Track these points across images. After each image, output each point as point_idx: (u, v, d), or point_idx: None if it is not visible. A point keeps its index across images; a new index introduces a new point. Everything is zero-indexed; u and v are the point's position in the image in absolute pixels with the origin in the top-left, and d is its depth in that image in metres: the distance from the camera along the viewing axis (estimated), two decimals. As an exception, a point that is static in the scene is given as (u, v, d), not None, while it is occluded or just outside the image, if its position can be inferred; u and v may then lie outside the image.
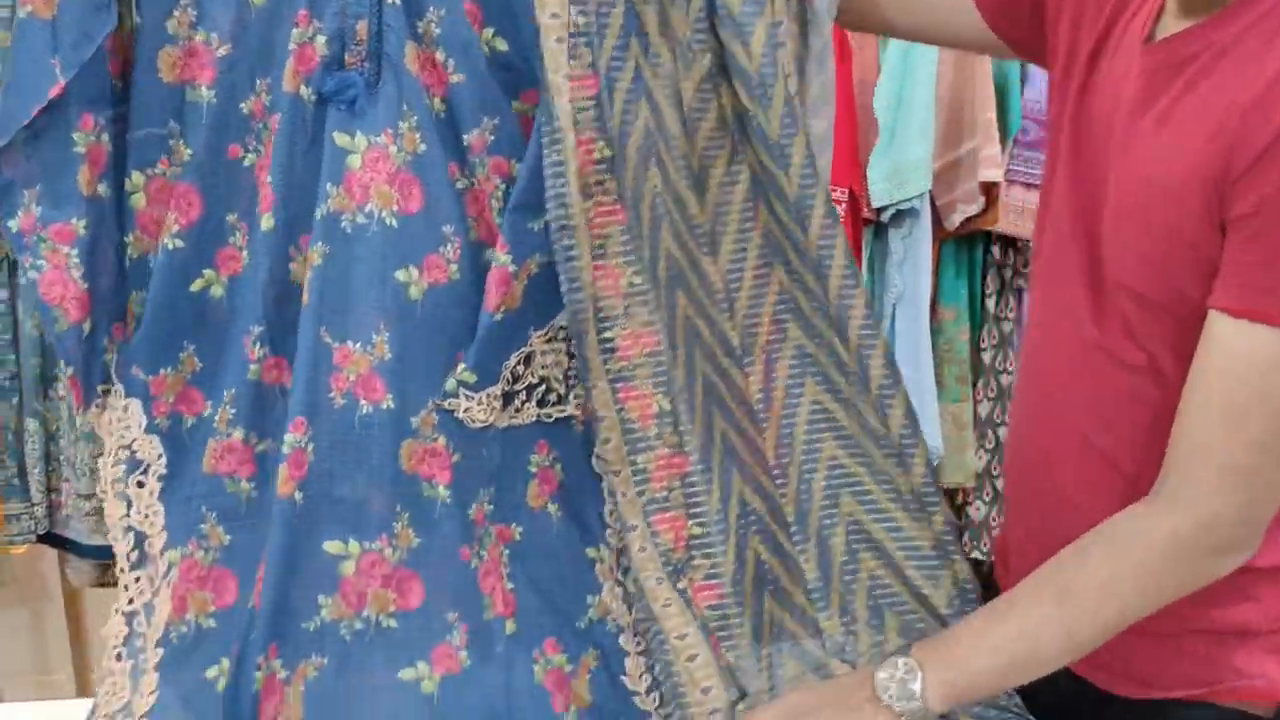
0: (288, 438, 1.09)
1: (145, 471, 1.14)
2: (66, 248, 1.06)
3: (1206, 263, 0.90)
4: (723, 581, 1.14)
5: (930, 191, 1.95)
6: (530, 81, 1.11)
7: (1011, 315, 2.10)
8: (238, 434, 1.13)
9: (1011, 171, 1.99)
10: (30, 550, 2.12)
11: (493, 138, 1.11)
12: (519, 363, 1.13)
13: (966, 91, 1.94)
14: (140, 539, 1.13)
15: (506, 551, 1.16)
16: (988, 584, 1.15)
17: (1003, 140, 1.97)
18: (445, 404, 1.12)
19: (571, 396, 1.17)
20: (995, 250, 2.09)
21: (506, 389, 1.14)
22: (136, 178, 1.10)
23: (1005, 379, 2.11)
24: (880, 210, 1.97)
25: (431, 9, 1.09)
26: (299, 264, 1.12)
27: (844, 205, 1.92)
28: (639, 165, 1.09)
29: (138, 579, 1.13)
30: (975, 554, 2.13)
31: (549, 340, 1.15)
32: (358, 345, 1.10)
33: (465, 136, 1.11)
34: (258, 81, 1.10)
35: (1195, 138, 0.89)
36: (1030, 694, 1.06)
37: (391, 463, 1.12)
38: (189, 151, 1.10)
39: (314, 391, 1.10)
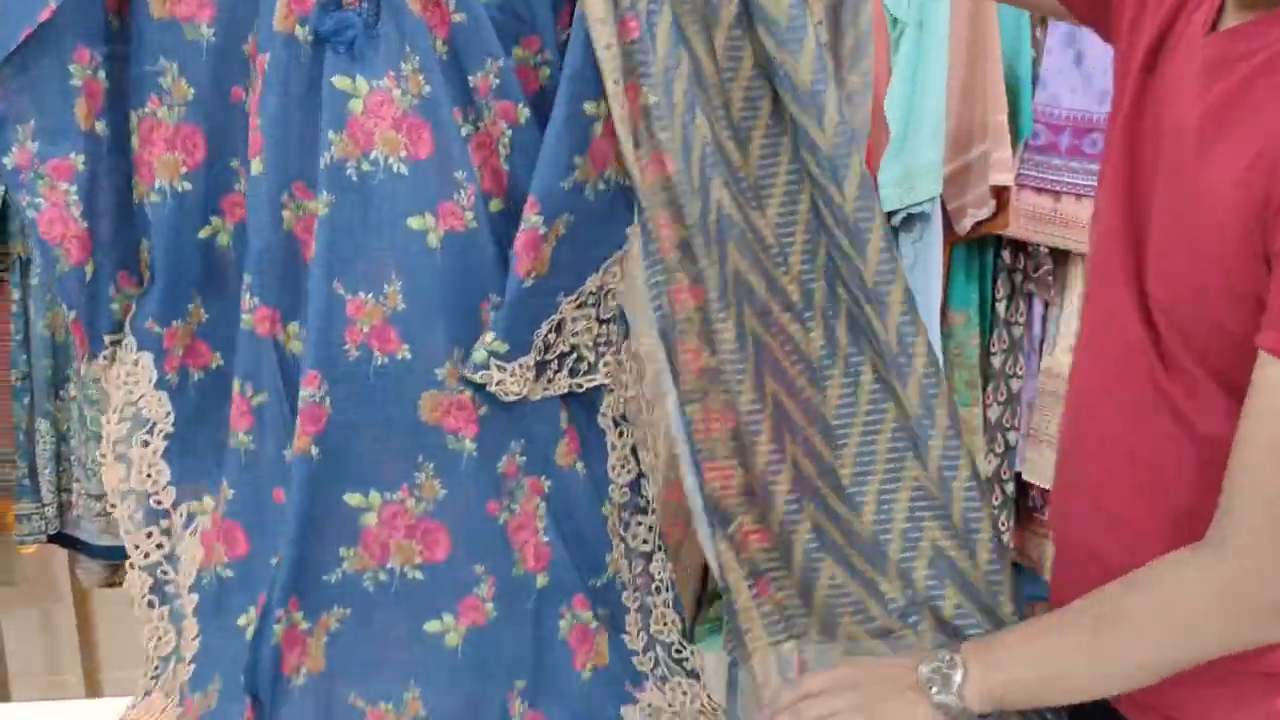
0: (302, 392, 1.06)
1: (151, 430, 1.11)
2: (65, 184, 1.03)
3: (1247, 297, 0.86)
4: (772, 527, 1.12)
5: (941, 195, 1.94)
6: (530, 28, 1.07)
7: (1021, 320, 2.08)
8: (235, 386, 1.11)
9: (1022, 175, 1.98)
10: (40, 550, 2.11)
11: (498, 81, 1.06)
12: (550, 331, 1.09)
13: (977, 95, 1.93)
14: (145, 499, 1.11)
15: (542, 504, 1.13)
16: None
17: (1014, 144, 1.95)
18: (477, 376, 1.08)
19: (601, 365, 1.13)
20: (1006, 255, 2.07)
21: (539, 359, 1.10)
22: (133, 118, 1.07)
23: (1015, 384, 2.09)
24: (891, 214, 1.96)
25: (430, -54, 1.04)
26: (291, 212, 1.08)
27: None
28: (686, 112, 1.04)
29: (149, 534, 1.11)
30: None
31: (579, 306, 1.10)
32: (370, 296, 1.07)
33: (470, 78, 1.06)
34: (255, 21, 1.06)
35: (1239, 160, 0.85)
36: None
37: (410, 413, 1.09)
38: (191, 91, 1.07)
39: (328, 345, 1.07)
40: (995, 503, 2.13)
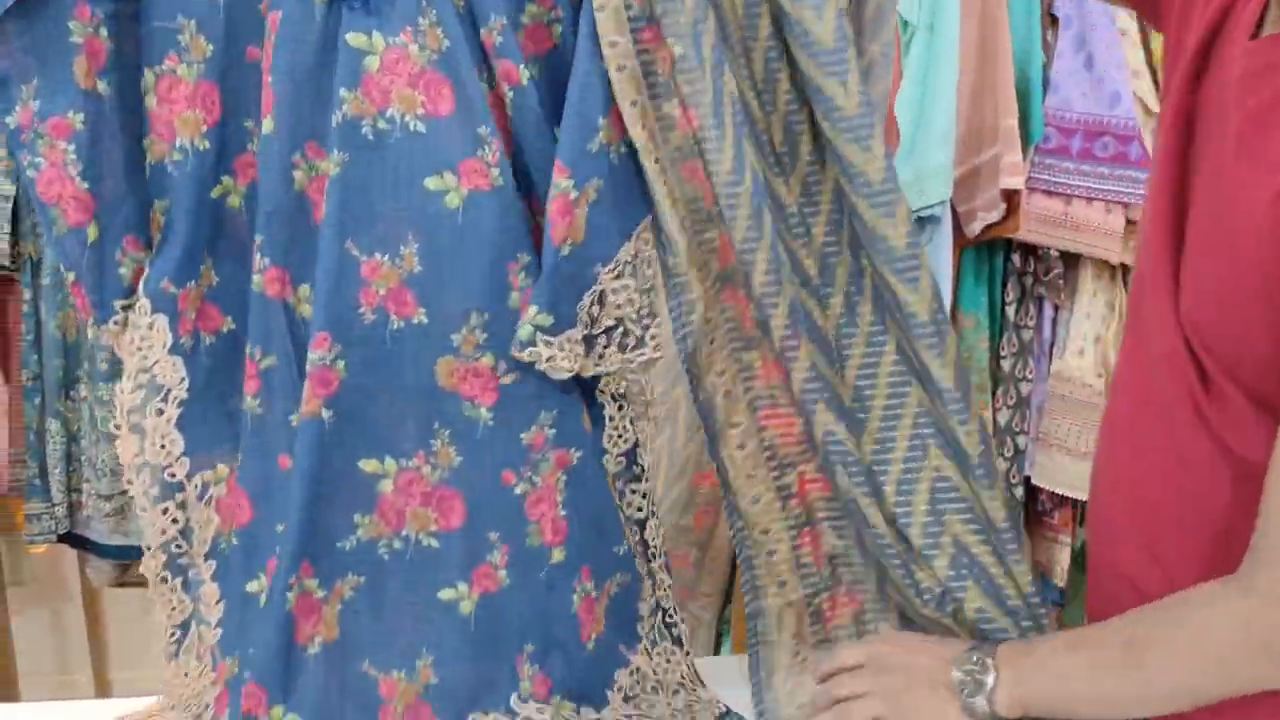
0: (311, 355, 1.04)
1: (165, 398, 1.08)
2: (64, 143, 1.01)
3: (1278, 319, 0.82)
4: (833, 479, 1.08)
5: (951, 199, 1.94)
6: None
7: (1031, 323, 2.08)
8: (245, 349, 1.08)
9: (1033, 179, 1.97)
10: (50, 550, 2.12)
11: (500, 39, 1.02)
12: (593, 303, 1.05)
13: (988, 98, 1.92)
14: (159, 471, 1.09)
15: (564, 478, 1.10)
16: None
17: (1024, 147, 1.95)
18: (525, 354, 1.04)
19: (648, 338, 1.09)
20: (1016, 258, 2.06)
21: (586, 333, 1.06)
22: (148, 76, 1.04)
23: (1025, 387, 2.08)
24: (901, 217, 1.96)
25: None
26: (303, 172, 1.05)
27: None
28: (715, 67, 1.00)
29: (165, 510, 1.09)
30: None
31: (616, 277, 1.07)
32: (385, 258, 1.04)
33: (480, 33, 1.03)
34: None
35: (1273, 172, 0.81)
36: None
37: (426, 379, 1.06)
38: (210, 48, 1.04)
39: (339, 307, 1.04)
40: (1004, 506, 2.12)
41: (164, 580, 1.11)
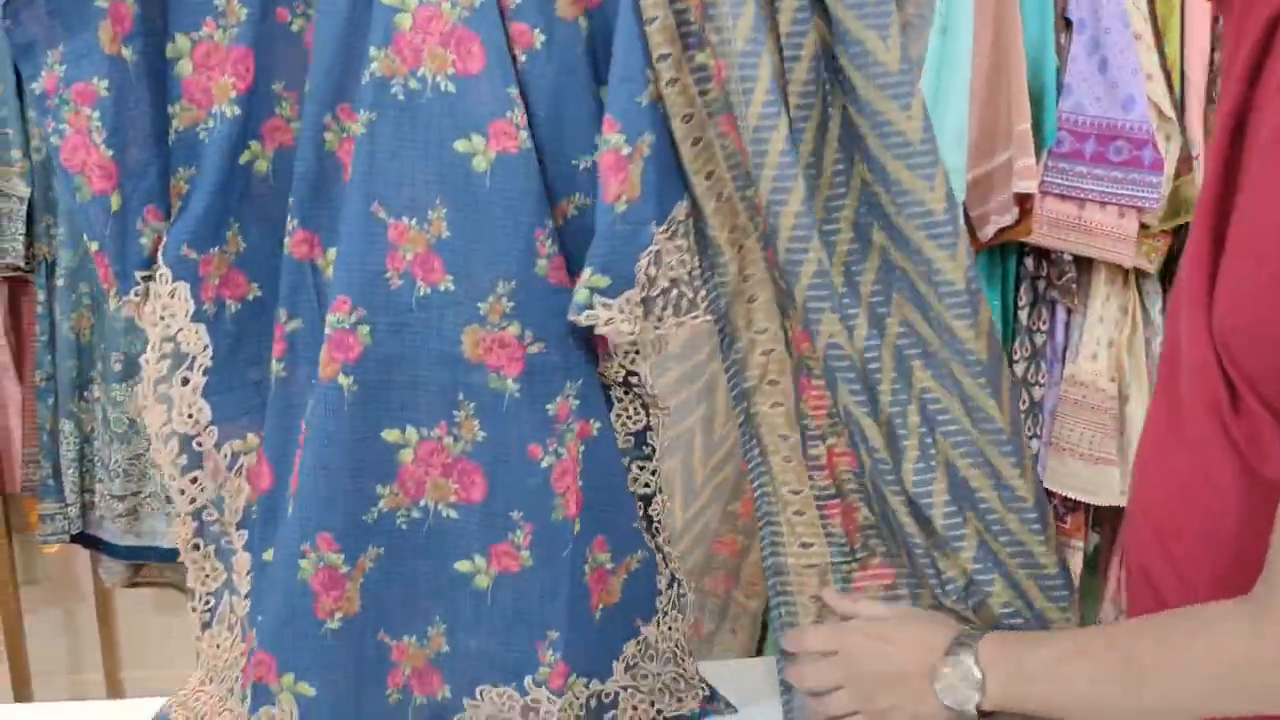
0: (330, 318, 1.01)
1: (190, 366, 1.06)
2: (88, 109, 0.99)
3: None
4: (858, 455, 1.05)
5: (964, 202, 1.94)
6: None
7: (1044, 327, 2.07)
8: (273, 314, 1.07)
9: (1046, 182, 1.96)
10: (63, 550, 2.12)
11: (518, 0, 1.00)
12: (649, 264, 1.02)
13: (1001, 102, 1.91)
14: (187, 440, 1.07)
15: (583, 448, 1.08)
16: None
17: (1038, 151, 1.95)
18: (583, 318, 1.01)
19: (700, 300, 1.06)
20: (1029, 262, 2.05)
21: (644, 294, 1.03)
22: (181, 42, 1.02)
23: (1037, 391, 2.07)
24: (912, 221, 1.95)
25: None
26: (334, 134, 1.04)
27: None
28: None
29: (194, 479, 1.08)
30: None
31: (670, 236, 1.03)
32: (413, 221, 1.01)
33: None
34: None
35: None
36: None
37: (452, 348, 1.04)
38: (244, 11, 1.02)
39: (363, 270, 1.02)
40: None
41: (195, 548, 1.10)
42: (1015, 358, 2.09)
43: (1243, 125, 0.86)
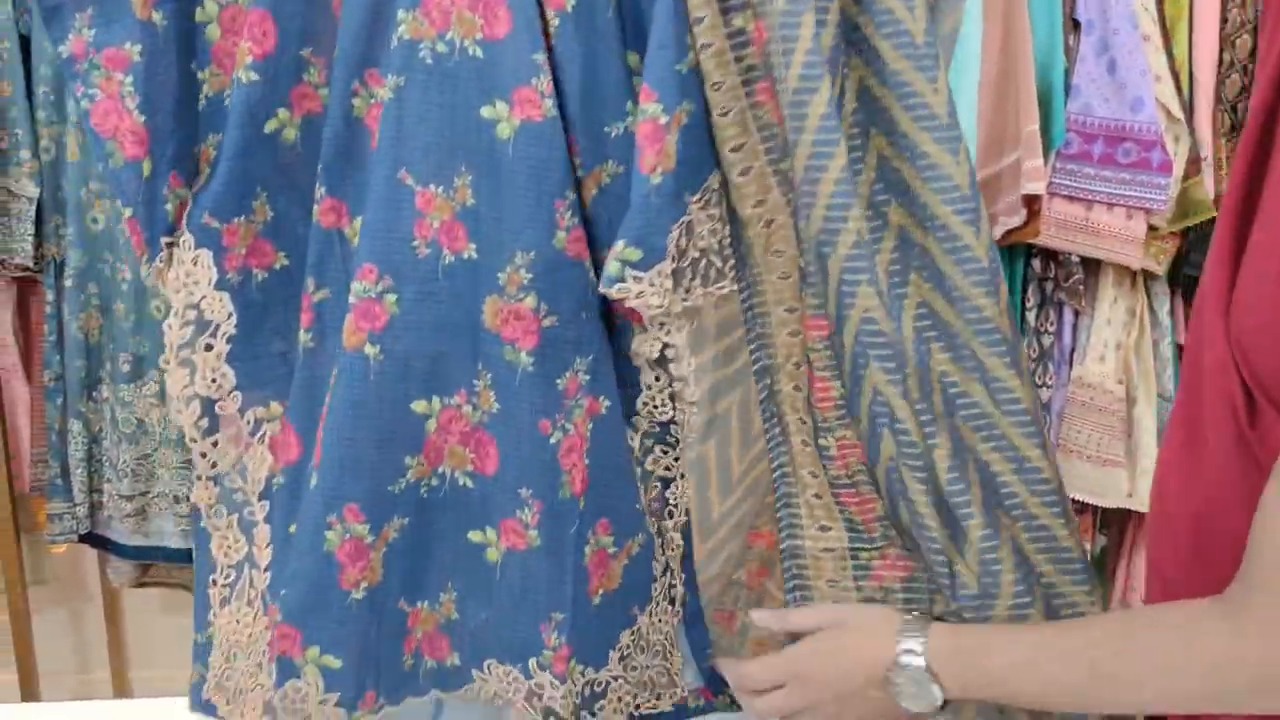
0: (355, 286, 0.99)
1: (214, 333, 1.04)
2: (120, 74, 0.97)
3: None
4: (877, 446, 1.02)
5: (971, 203, 1.93)
6: None
7: (1052, 329, 2.06)
8: (301, 284, 1.05)
9: (1054, 184, 1.96)
10: (70, 550, 2.12)
11: None
12: (681, 234, 1.00)
13: (1009, 103, 1.91)
14: (209, 405, 1.05)
15: (591, 426, 1.05)
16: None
17: (1046, 153, 1.94)
18: (614, 291, 0.99)
19: (729, 270, 1.04)
20: (1036, 263, 2.04)
21: (675, 266, 1.00)
22: (210, 6, 1.01)
23: (1045, 393, 2.06)
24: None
25: None
26: (362, 100, 1.02)
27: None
28: None
29: (215, 443, 1.06)
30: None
31: (704, 206, 1.01)
32: (439, 189, 1.00)
33: None
34: None
35: None
36: None
37: (475, 318, 1.02)
38: None
39: (390, 238, 1.00)
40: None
41: (218, 515, 1.09)
42: (1023, 359, 2.08)
43: (1271, 125, 0.84)
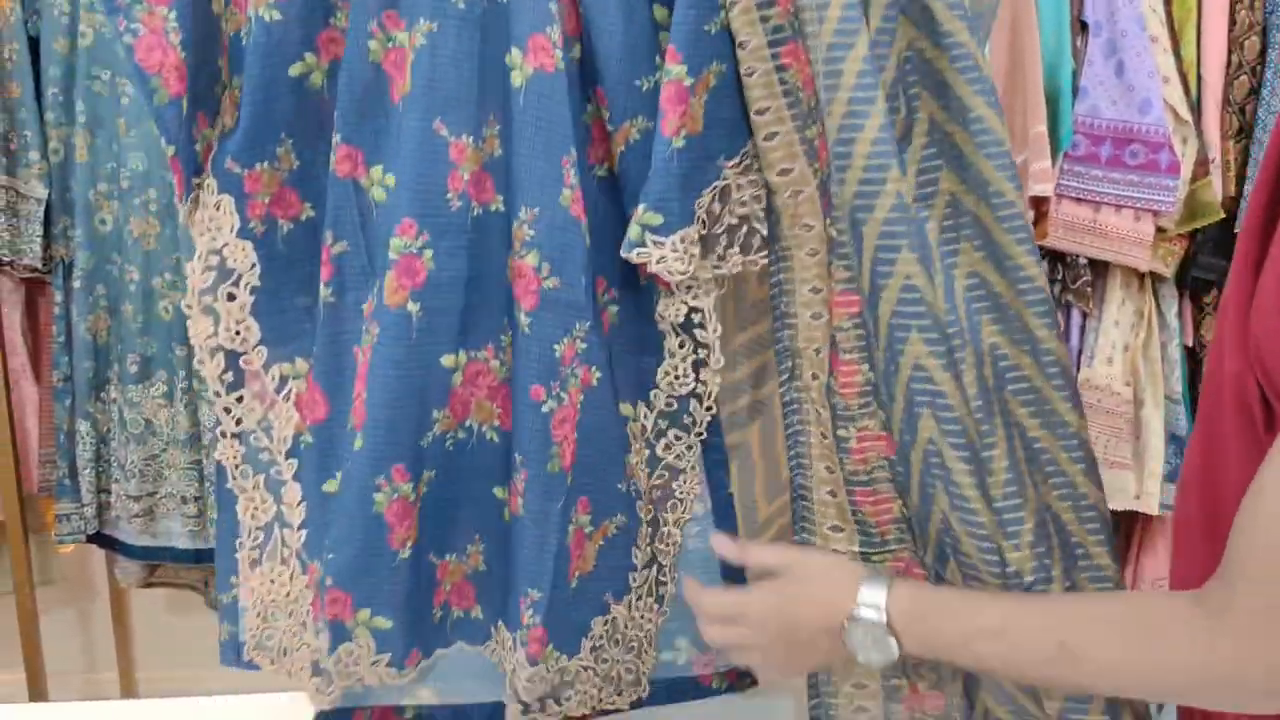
0: (395, 242, 0.97)
1: (236, 282, 1.01)
2: (163, 9, 0.95)
3: None
4: (894, 435, 0.98)
5: (978, 205, 1.92)
6: None
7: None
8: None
9: (1062, 186, 1.95)
10: (78, 549, 2.11)
11: None
12: (713, 199, 0.97)
13: (1017, 104, 1.90)
14: (234, 359, 1.03)
15: (583, 397, 1.02)
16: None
17: (1053, 154, 1.94)
18: (634, 255, 0.96)
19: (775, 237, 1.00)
20: (1044, 265, 2.06)
21: (704, 232, 0.97)
22: None
23: (1052, 395, 2.07)
24: (928, 224, 1.94)
25: None
26: (379, 43, 0.99)
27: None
28: None
29: (240, 399, 1.04)
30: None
31: (743, 171, 0.98)
32: (470, 139, 0.97)
33: None
34: None
35: None
36: None
37: (500, 271, 1.00)
38: None
39: (426, 191, 0.97)
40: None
41: (244, 475, 1.06)
42: (1030, 361, 2.07)
43: None
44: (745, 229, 0.99)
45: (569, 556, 1.04)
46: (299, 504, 1.05)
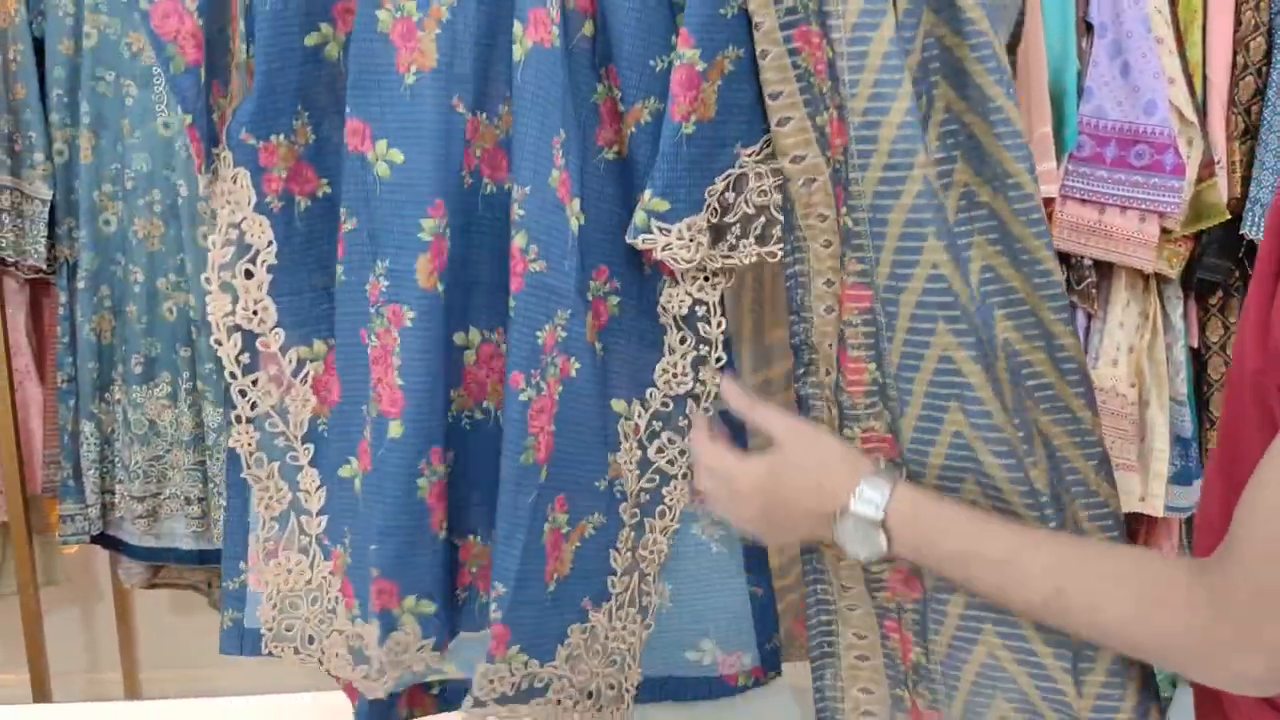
0: (427, 223, 0.94)
1: (254, 259, 0.99)
2: None
3: None
4: (901, 437, 0.95)
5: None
6: None
7: (1064, 333, 2.06)
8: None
9: (1066, 187, 1.94)
10: (82, 550, 2.12)
11: None
12: (727, 188, 0.94)
13: (1021, 105, 1.91)
14: (250, 340, 1.01)
15: (561, 388, 0.99)
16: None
17: (1058, 155, 1.93)
18: (639, 242, 0.94)
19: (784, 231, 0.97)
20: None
21: (714, 220, 0.95)
22: None
23: (1057, 397, 2.06)
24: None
25: None
26: (388, 13, 0.96)
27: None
28: None
29: (255, 381, 1.02)
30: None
31: (762, 159, 0.95)
32: (484, 116, 0.95)
33: None
34: None
35: None
36: None
37: (508, 249, 0.97)
38: None
39: (447, 169, 0.95)
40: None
41: (259, 464, 1.04)
42: (1035, 363, 2.07)
43: None
44: (763, 219, 0.97)
45: (544, 557, 1.01)
46: (317, 490, 1.04)
